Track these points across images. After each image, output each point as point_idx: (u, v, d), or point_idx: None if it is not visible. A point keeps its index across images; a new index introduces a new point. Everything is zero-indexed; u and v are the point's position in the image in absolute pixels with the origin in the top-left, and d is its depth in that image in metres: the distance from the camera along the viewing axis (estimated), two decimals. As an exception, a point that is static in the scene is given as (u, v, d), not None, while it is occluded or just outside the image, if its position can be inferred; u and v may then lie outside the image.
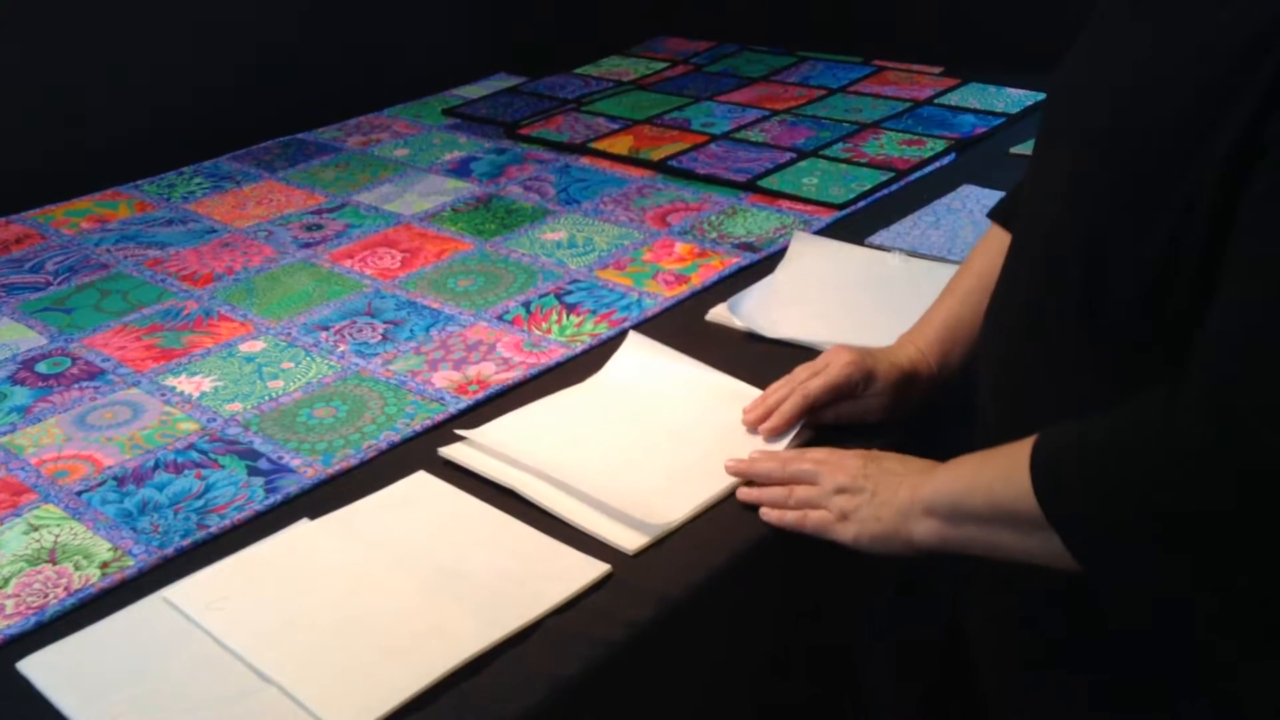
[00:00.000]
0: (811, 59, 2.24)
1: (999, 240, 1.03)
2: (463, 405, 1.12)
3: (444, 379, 1.17)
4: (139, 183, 1.78)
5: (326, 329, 1.29)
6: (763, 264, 1.39)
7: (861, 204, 1.56)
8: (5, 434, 1.11)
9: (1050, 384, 0.80)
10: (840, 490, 0.90)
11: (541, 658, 0.80)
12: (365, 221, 1.59)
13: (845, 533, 0.89)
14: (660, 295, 1.33)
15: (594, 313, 1.29)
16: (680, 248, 1.45)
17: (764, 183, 1.63)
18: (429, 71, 2.21)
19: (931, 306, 1.06)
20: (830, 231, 1.48)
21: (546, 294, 1.34)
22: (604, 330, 1.25)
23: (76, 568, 0.92)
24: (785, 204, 1.58)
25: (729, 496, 0.96)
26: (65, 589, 0.89)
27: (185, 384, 1.18)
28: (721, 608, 0.90)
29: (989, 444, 0.80)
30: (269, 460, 1.04)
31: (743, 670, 0.95)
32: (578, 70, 2.26)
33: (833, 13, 2.31)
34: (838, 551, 0.90)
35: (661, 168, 1.72)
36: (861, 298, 1.29)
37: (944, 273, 1.11)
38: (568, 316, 1.29)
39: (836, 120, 1.88)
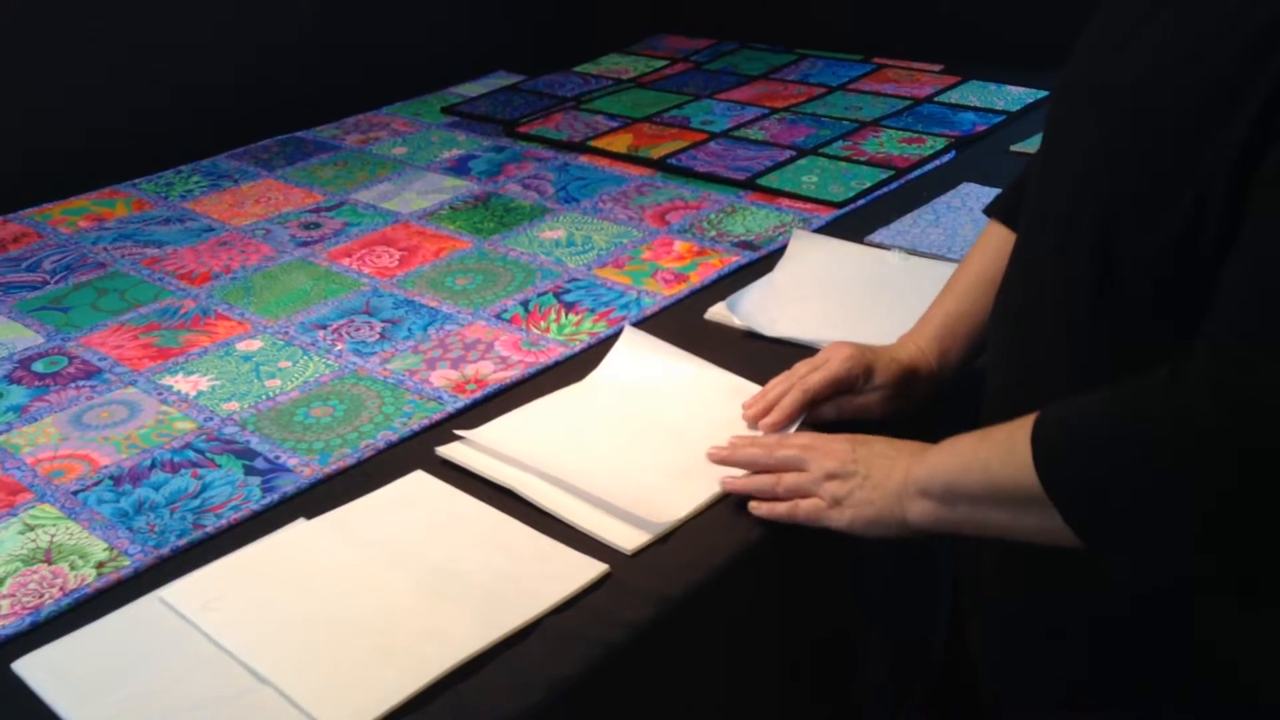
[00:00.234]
0: (811, 57, 2.23)
1: (997, 237, 1.03)
2: (461, 404, 1.11)
3: (442, 378, 1.16)
4: (136, 181, 1.77)
5: (324, 328, 1.28)
6: (762, 262, 1.39)
7: (861, 202, 1.56)
8: (1, 433, 1.10)
9: (1061, 374, 0.80)
10: (830, 476, 0.89)
11: (539, 658, 0.80)
12: (363, 220, 1.58)
13: (839, 519, 0.88)
14: (659, 294, 1.32)
15: (593, 311, 1.29)
16: (679, 246, 1.45)
17: (763, 181, 1.63)
18: (428, 69, 2.20)
19: (931, 305, 1.06)
20: (830, 230, 1.47)
21: (545, 292, 1.34)
22: (602, 329, 1.24)
23: (72, 567, 0.91)
24: (785, 202, 1.57)
25: (728, 495, 0.95)
26: (61, 589, 0.89)
27: (182, 383, 1.18)
28: (720, 607, 0.90)
29: None
30: (266, 460, 1.04)
31: (742, 670, 0.95)
32: (577, 68, 2.26)
33: (832, 10, 2.30)
34: (836, 548, 0.89)
35: (661, 166, 1.71)
36: (861, 296, 1.29)
37: (944, 271, 1.11)
38: (566, 315, 1.28)
39: (836, 118, 1.88)
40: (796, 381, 1.01)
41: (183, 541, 0.94)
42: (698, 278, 1.36)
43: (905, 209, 1.51)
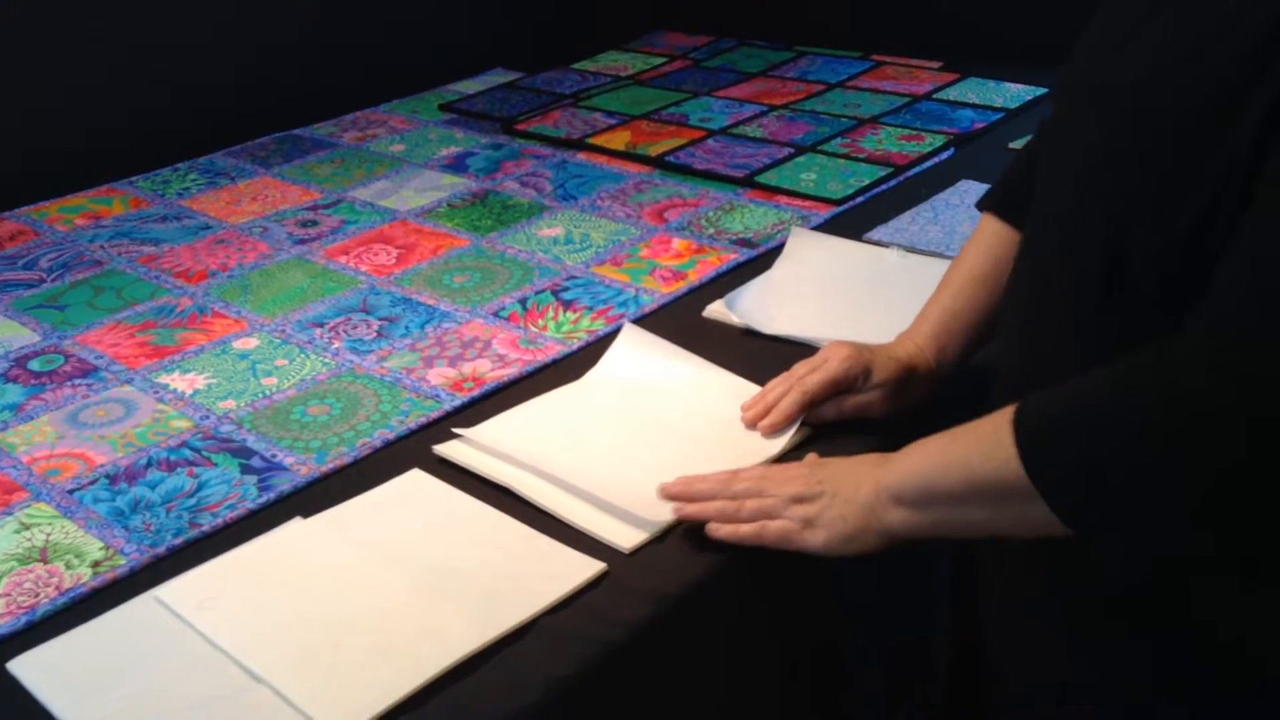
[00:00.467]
0: (810, 54, 2.23)
1: (990, 231, 1.03)
2: (458, 402, 1.11)
3: (439, 376, 1.16)
4: (133, 179, 1.77)
5: (321, 326, 1.28)
6: (760, 260, 1.38)
7: (860, 199, 1.55)
8: (-3, 432, 1.10)
9: (1071, 368, 0.80)
10: (797, 499, 0.87)
11: (537, 657, 0.80)
12: (361, 217, 1.58)
13: (814, 540, 0.86)
14: (657, 291, 1.32)
15: (591, 309, 1.28)
16: (678, 244, 1.44)
17: (762, 178, 1.63)
18: (425, 66, 2.20)
19: (927, 302, 1.06)
20: (828, 227, 1.47)
21: (543, 290, 1.33)
22: (601, 326, 1.24)
23: (68, 567, 0.91)
24: (783, 199, 1.57)
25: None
26: (56, 588, 0.89)
27: (178, 381, 1.17)
28: (719, 606, 0.89)
29: None
30: (262, 458, 1.04)
31: (740, 669, 0.94)
32: (575, 65, 2.26)
33: (831, 7, 2.30)
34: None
35: (659, 163, 1.71)
36: (860, 293, 1.28)
37: (942, 268, 1.10)
38: (564, 313, 1.28)
39: (835, 115, 1.87)
40: (795, 383, 1.01)
41: (179, 540, 0.93)
42: (696, 275, 1.35)
43: (904, 206, 1.50)
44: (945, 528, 0.82)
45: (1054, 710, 0.88)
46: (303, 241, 1.51)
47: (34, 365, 1.22)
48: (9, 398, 1.16)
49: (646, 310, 1.28)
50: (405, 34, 2.24)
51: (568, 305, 1.30)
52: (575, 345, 1.21)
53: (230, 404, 1.13)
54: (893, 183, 1.60)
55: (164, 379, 1.18)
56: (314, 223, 1.57)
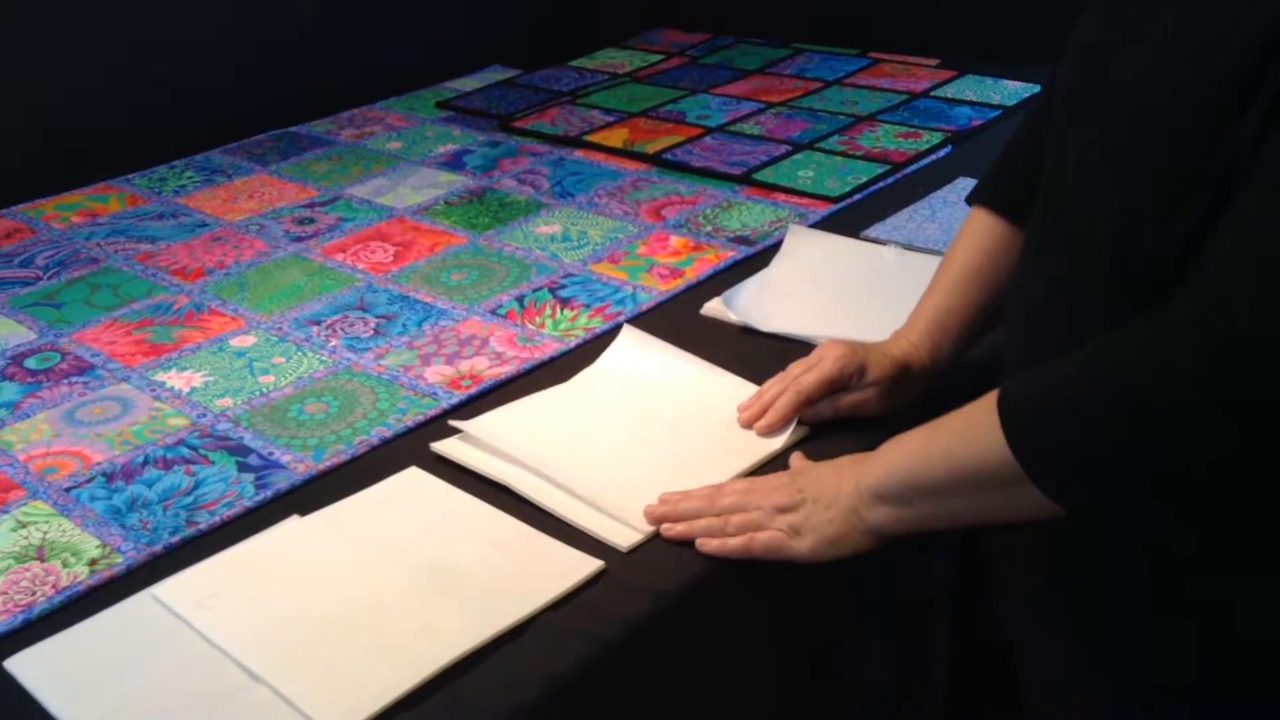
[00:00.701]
0: (807, 51, 2.23)
1: (980, 225, 1.03)
2: (455, 400, 1.11)
3: (436, 374, 1.16)
4: (130, 176, 1.77)
5: (318, 323, 1.28)
6: (758, 257, 1.38)
7: (857, 197, 1.55)
8: (-7, 430, 1.10)
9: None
10: (781, 509, 0.87)
11: (535, 655, 0.80)
12: (358, 215, 1.58)
13: (800, 547, 0.86)
14: (655, 289, 1.32)
15: (588, 307, 1.28)
16: (675, 241, 1.44)
17: (759, 176, 1.63)
18: (423, 64, 2.20)
19: (920, 300, 1.06)
20: (826, 225, 1.47)
21: (540, 288, 1.33)
22: (598, 324, 1.24)
23: (65, 565, 0.91)
24: (781, 197, 1.57)
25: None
26: (53, 586, 0.88)
27: (175, 379, 1.17)
28: (717, 604, 0.89)
29: None
30: (259, 456, 1.04)
31: (738, 667, 0.94)
32: (572, 63, 2.25)
33: (828, 5, 2.30)
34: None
35: (656, 161, 1.71)
36: (857, 291, 1.28)
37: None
38: (561, 311, 1.28)
39: (832, 113, 1.87)
40: (790, 383, 1.01)
41: (176, 538, 0.93)
42: (693, 273, 1.35)
43: (901, 204, 1.50)
44: (932, 520, 0.82)
45: (1057, 710, 0.88)
46: (300, 239, 1.51)
47: (30, 363, 1.22)
48: (5, 395, 1.16)
49: (644, 308, 1.27)
50: (402, 31, 2.23)
51: (565, 303, 1.29)
52: (572, 343, 1.21)
53: (227, 402, 1.13)
54: (890, 180, 1.60)
55: (161, 377, 1.18)
56: (311, 220, 1.57)
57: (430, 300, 1.32)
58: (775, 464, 0.99)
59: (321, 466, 1.02)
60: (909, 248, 1.37)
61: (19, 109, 1.74)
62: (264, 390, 1.14)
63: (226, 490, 0.99)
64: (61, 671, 0.80)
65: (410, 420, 1.08)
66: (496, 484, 0.97)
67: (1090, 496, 0.71)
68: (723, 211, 1.53)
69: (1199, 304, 0.65)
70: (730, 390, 1.07)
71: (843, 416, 1.02)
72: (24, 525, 0.96)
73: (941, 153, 1.69)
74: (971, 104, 1.88)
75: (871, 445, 0.91)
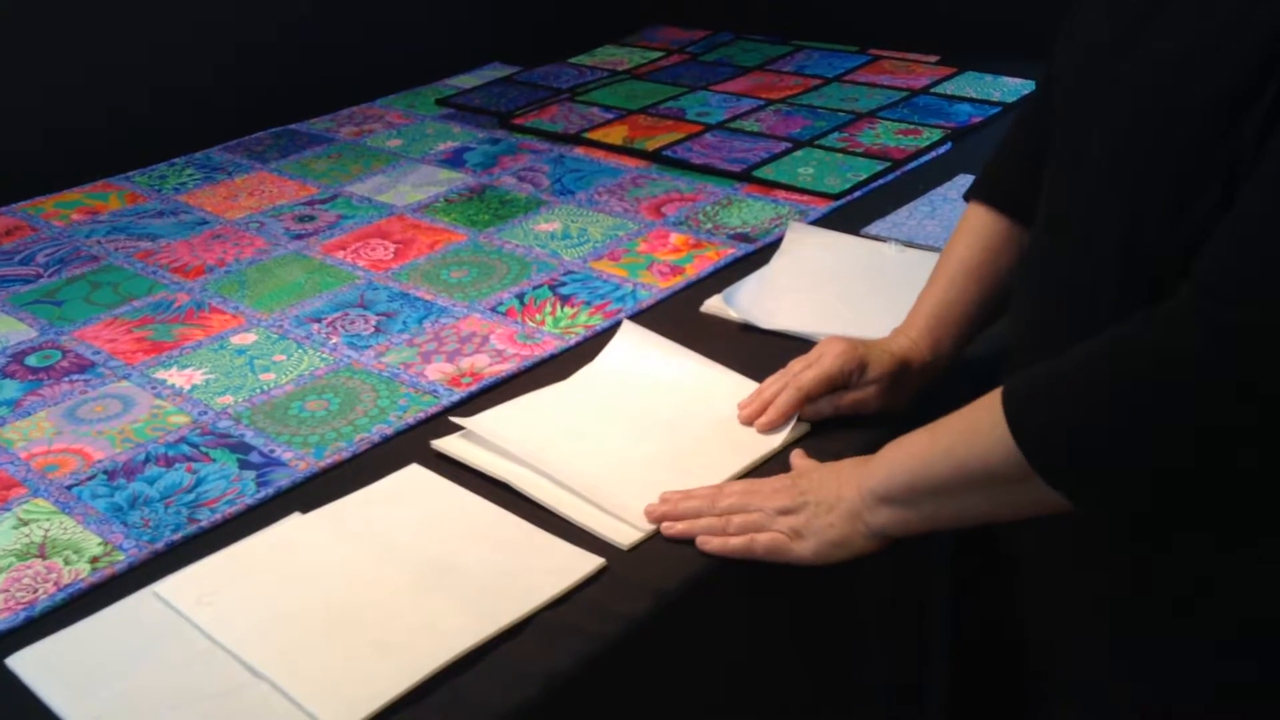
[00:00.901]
0: (807, 48, 2.23)
1: (979, 221, 1.03)
2: (456, 398, 1.11)
3: (437, 371, 1.16)
4: (130, 174, 1.77)
5: (319, 321, 1.28)
6: (758, 255, 1.38)
7: (857, 194, 1.55)
8: (-6, 428, 1.10)
9: None
10: (783, 512, 0.87)
11: (535, 653, 0.80)
12: (358, 213, 1.58)
13: (803, 550, 0.86)
14: (655, 286, 1.32)
15: (588, 304, 1.28)
16: (675, 238, 1.44)
17: (759, 173, 1.63)
18: (422, 61, 2.19)
19: (919, 296, 1.06)
20: (826, 222, 1.47)
21: (540, 285, 1.33)
22: (598, 322, 1.24)
23: (66, 562, 0.91)
24: (781, 194, 1.57)
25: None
26: (55, 584, 0.89)
27: (176, 377, 1.17)
28: (717, 601, 0.89)
29: None
30: (260, 454, 1.04)
31: (739, 664, 0.94)
32: (572, 60, 2.25)
33: (828, 2, 2.30)
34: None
35: (656, 158, 1.71)
36: (858, 288, 1.28)
37: (940, 263, 1.11)
38: (562, 308, 1.28)
39: (832, 110, 1.87)
40: (790, 380, 1.01)
41: (177, 536, 0.93)
42: (694, 270, 1.35)
43: (901, 201, 1.50)
44: (937, 520, 0.82)
45: (1063, 710, 0.88)
46: (300, 237, 1.51)
47: (31, 361, 1.22)
48: (6, 393, 1.16)
49: (644, 305, 1.28)
50: (402, 29, 2.23)
51: (565, 300, 1.29)
52: (573, 340, 1.21)
53: (228, 399, 1.13)
54: (890, 177, 1.60)
55: (161, 374, 1.18)
56: (311, 218, 1.57)
57: (431, 298, 1.32)
58: (776, 461, 0.99)
59: (322, 464, 1.02)
60: (909, 245, 1.37)
61: (19, 106, 1.74)
62: (265, 388, 1.14)
63: (228, 488, 0.99)
64: (63, 669, 0.80)
65: (411, 418, 1.08)
66: (497, 481, 0.97)
67: (1096, 488, 0.71)
68: (723, 209, 1.53)
69: (1203, 295, 0.65)
70: (731, 388, 1.08)
71: (843, 414, 1.02)
72: (25, 523, 0.96)
73: (941, 149, 1.69)
74: (971, 101, 1.88)
75: (872, 443, 0.91)
